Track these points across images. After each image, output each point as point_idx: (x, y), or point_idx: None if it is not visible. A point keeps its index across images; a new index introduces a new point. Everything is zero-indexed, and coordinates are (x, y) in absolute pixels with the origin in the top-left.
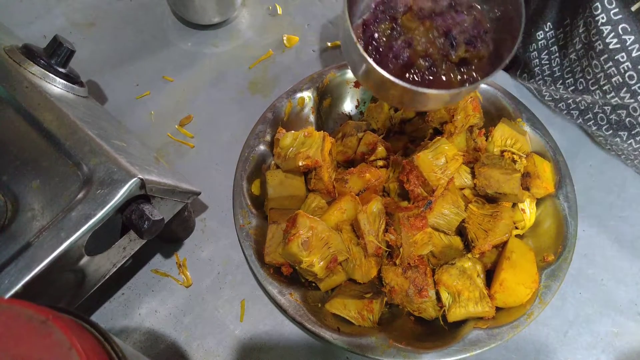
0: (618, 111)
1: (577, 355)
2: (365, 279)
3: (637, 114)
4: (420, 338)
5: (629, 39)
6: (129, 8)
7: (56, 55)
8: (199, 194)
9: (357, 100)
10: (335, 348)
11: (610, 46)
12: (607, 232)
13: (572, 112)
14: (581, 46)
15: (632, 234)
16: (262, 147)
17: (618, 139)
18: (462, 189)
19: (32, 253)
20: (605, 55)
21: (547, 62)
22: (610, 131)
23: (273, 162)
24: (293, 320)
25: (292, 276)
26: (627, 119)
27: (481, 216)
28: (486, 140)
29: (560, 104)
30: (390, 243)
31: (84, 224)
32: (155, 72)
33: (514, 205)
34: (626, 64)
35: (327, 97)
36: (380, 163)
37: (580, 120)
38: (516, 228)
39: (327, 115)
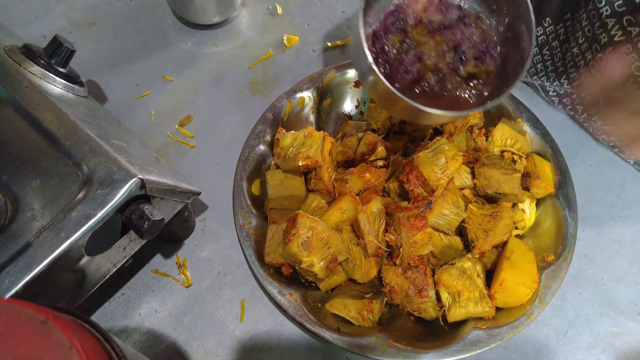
0: None
1: (577, 355)
2: (365, 279)
3: None
4: (420, 338)
5: (635, 30)
6: (129, 8)
7: (56, 55)
8: (199, 194)
9: (357, 100)
10: (335, 348)
11: (616, 38)
12: (607, 232)
13: (576, 107)
14: (584, 40)
15: (632, 234)
16: (262, 147)
17: None
18: (462, 189)
19: (32, 253)
20: (610, 48)
21: (549, 57)
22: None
23: (273, 162)
24: (293, 320)
25: (292, 276)
26: None
27: (481, 216)
28: (486, 140)
29: (565, 99)
30: (390, 243)
31: (84, 224)
32: (155, 72)
33: (514, 205)
34: (632, 55)
35: (327, 97)
36: (380, 163)
37: (585, 115)
38: (516, 228)
39: (327, 115)
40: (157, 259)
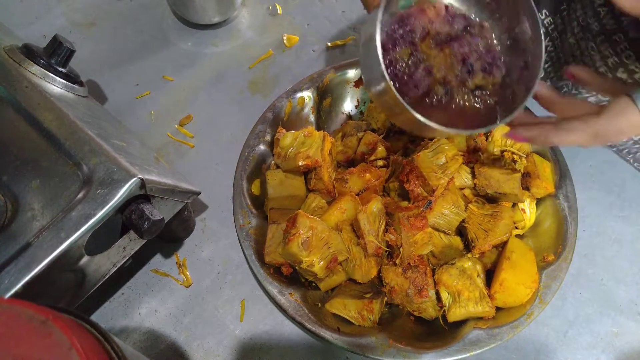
0: None
1: (577, 355)
2: (365, 279)
3: None
4: (420, 338)
5: (626, 19)
6: (129, 8)
7: (56, 55)
8: (199, 193)
9: (357, 100)
10: (335, 348)
11: (607, 27)
12: (607, 232)
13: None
14: (579, 29)
15: (632, 234)
16: (262, 147)
17: None
18: (462, 189)
19: (32, 253)
20: (602, 37)
21: (552, 48)
22: None
23: (273, 162)
24: (293, 320)
25: (292, 276)
26: None
27: (481, 216)
28: (486, 140)
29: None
30: (390, 243)
31: (84, 224)
32: (155, 72)
33: (514, 205)
34: (623, 44)
35: (327, 97)
36: (380, 163)
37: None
38: (516, 228)
39: (327, 115)
40: (157, 258)
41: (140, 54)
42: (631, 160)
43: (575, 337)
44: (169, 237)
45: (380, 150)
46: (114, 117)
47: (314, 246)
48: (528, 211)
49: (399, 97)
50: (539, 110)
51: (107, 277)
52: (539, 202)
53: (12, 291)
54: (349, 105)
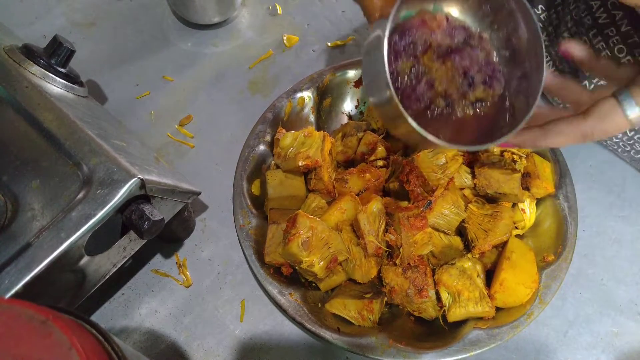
0: None
1: (577, 355)
2: (365, 279)
3: None
4: (420, 338)
5: (618, 14)
6: (129, 8)
7: (56, 55)
8: (199, 194)
9: (357, 100)
10: (335, 348)
11: (600, 21)
12: (607, 232)
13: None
14: (573, 24)
15: (632, 234)
16: (262, 147)
17: None
18: (462, 189)
19: (32, 253)
20: (594, 31)
21: (548, 43)
22: None
23: (273, 162)
24: (293, 320)
25: (292, 276)
26: None
27: (481, 216)
28: None
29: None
30: (390, 243)
31: (84, 224)
32: (155, 72)
33: (514, 205)
34: (615, 37)
35: (327, 97)
36: (380, 163)
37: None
38: (516, 228)
39: (327, 115)
40: (157, 259)
41: (140, 54)
42: (626, 157)
43: (575, 337)
44: (169, 237)
45: (380, 150)
46: (114, 117)
47: (314, 246)
48: (528, 211)
49: (402, 109)
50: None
51: (107, 277)
52: (539, 202)
53: (12, 291)
54: (349, 105)
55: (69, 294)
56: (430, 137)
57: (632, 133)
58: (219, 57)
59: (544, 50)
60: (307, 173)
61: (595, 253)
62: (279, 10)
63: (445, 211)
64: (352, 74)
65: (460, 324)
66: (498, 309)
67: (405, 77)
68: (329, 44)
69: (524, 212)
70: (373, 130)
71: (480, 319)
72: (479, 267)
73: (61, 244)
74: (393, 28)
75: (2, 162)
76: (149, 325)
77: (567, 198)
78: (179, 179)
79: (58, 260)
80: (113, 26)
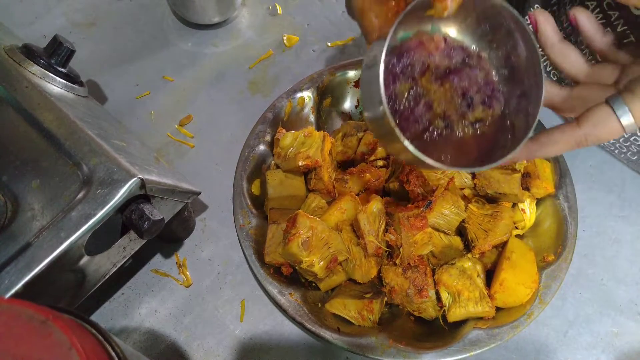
0: None
1: (577, 355)
2: (365, 279)
3: None
4: (420, 338)
5: (614, 14)
6: (129, 8)
7: (56, 55)
8: (199, 194)
9: (357, 100)
10: (335, 348)
11: None
12: (607, 232)
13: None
14: (568, 24)
15: (632, 234)
16: (262, 147)
17: None
18: (462, 189)
19: (32, 253)
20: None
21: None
22: None
23: (273, 162)
24: (293, 320)
25: (292, 276)
26: None
27: (481, 216)
28: None
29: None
30: (390, 243)
31: (84, 224)
32: (155, 72)
33: (514, 205)
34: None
35: (327, 97)
36: (380, 163)
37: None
38: (516, 228)
39: (327, 115)
40: (157, 259)
41: (140, 54)
42: (622, 158)
43: (575, 337)
44: (169, 237)
45: (380, 150)
46: (114, 117)
47: (314, 246)
48: (528, 211)
49: (400, 134)
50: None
51: (107, 277)
52: (539, 202)
53: (12, 291)
54: (349, 105)
55: (69, 293)
56: (429, 161)
57: (628, 135)
58: (219, 57)
59: (543, 69)
60: (307, 173)
61: (595, 253)
62: (279, 10)
63: (445, 211)
64: (352, 74)
65: (460, 324)
66: (498, 309)
67: (404, 99)
68: (329, 44)
69: (524, 212)
70: None
71: (480, 319)
72: (479, 267)
73: (61, 243)
74: (391, 49)
75: (2, 162)
76: (149, 325)
77: (567, 198)
78: (179, 179)
79: (58, 260)
80: (113, 26)
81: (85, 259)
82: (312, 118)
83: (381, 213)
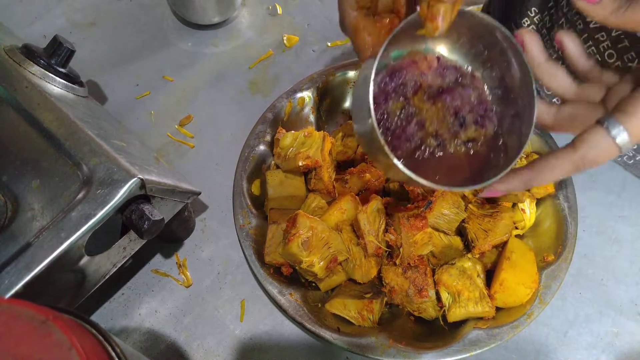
0: None
1: (577, 355)
2: (365, 279)
3: None
4: (420, 338)
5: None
6: (129, 8)
7: (56, 55)
8: (199, 194)
9: None
10: (335, 348)
11: (591, 25)
12: (607, 232)
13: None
14: (567, 27)
15: (632, 234)
16: (262, 147)
17: None
18: None
19: (32, 253)
20: (586, 35)
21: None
22: None
23: (273, 162)
24: (293, 320)
25: (292, 276)
26: None
27: (481, 216)
28: None
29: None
30: (390, 243)
31: (84, 224)
32: (155, 72)
33: (514, 205)
34: (606, 42)
35: (327, 97)
36: None
37: None
38: (516, 228)
39: (327, 115)
40: (157, 259)
41: (140, 54)
42: (622, 165)
43: (575, 337)
44: (169, 237)
45: None
46: (114, 117)
47: (314, 246)
48: (528, 211)
49: (391, 154)
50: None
51: (107, 277)
52: (539, 202)
53: (12, 291)
54: (348, 105)
55: (69, 294)
56: (419, 179)
57: None
58: (219, 57)
59: (535, 90)
60: (307, 173)
61: (595, 253)
62: (279, 10)
63: (445, 211)
64: (352, 74)
65: (460, 324)
66: (498, 309)
67: (396, 117)
68: (329, 44)
69: (524, 212)
70: None
71: (480, 319)
72: (479, 267)
73: (61, 244)
74: (384, 67)
75: (2, 162)
76: (149, 325)
77: (567, 198)
78: (179, 179)
79: (58, 260)
80: (113, 26)
81: (85, 259)
82: (312, 118)
83: (381, 213)
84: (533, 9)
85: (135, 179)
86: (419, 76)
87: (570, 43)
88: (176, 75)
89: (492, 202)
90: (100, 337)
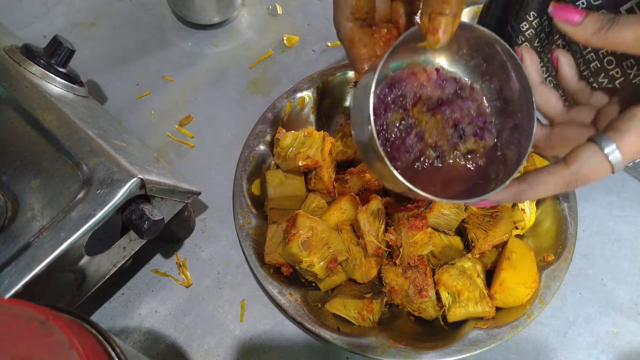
0: None
1: (577, 355)
2: (365, 279)
3: None
4: (420, 338)
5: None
6: (129, 8)
7: (56, 55)
8: (199, 194)
9: None
10: (335, 348)
11: None
12: (607, 232)
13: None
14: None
15: (632, 234)
16: (262, 147)
17: None
18: None
19: (32, 253)
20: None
21: (540, 50)
22: None
23: (273, 162)
24: (293, 320)
25: (292, 276)
26: None
27: (481, 216)
28: None
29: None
30: (390, 243)
31: (84, 224)
32: (155, 72)
33: (514, 205)
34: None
35: (327, 97)
36: None
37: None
38: (516, 228)
39: (327, 115)
40: (157, 259)
41: (140, 54)
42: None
43: (575, 337)
44: (169, 237)
45: None
46: (114, 117)
47: (314, 246)
48: (528, 211)
49: (391, 167)
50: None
51: (107, 277)
52: (539, 202)
53: (12, 291)
54: (348, 104)
55: (69, 294)
56: (419, 192)
57: None
58: (219, 57)
59: (535, 103)
60: (307, 173)
61: (595, 253)
62: (279, 10)
63: (445, 211)
64: (352, 74)
65: (460, 324)
66: (498, 309)
67: (395, 129)
68: (329, 44)
69: (524, 212)
70: None
71: (480, 319)
72: (479, 267)
73: (61, 244)
74: (383, 78)
75: (2, 162)
76: (149, 325)
77: (567, 198)
78: (178, 179)
79: (58, 260)
80: (113, 26)
81: (85, 259)
82: (312, 118)
83: (381, 213)
84: (532, 13)
85: (135, 179)
86: (418, 88)
87: (565, 63)
88: (176, 75)
89: None
90: (100, 337)
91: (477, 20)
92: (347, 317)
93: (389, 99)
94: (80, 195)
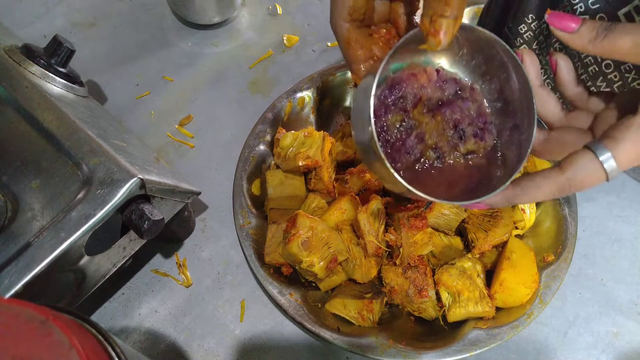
0: None
1: (577, 355)
2: (365, 279)
3: None
4: (420, 338)
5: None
6: (129, 8)
7: (56, 55)
8: (199, 194)
9: None
10: (335, 348)
11: None
12: (607, 232)
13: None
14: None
15: (632, 234)
16: (262, 147)
17: None
18: None
19: (32, 253)
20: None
21: (538, 52)
22: None
23: (273, 162)
24: (293, 320)
25: (292, 276)
26: None
27: (481, 216)
28: None
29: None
30: (390, 243)
31: (84, 224)
32: (155, 72)
33: (514, 205)
34: None
35: (327, 97)
36: None
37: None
38: (516, 228)
39: (327, 115)
40: (157, 258)
41: (140, 54)
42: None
43: (575, 337)
44: (169, 237)
45: None
46: (114, 117)
47: (314, 246)
48: (528, 211)
49: (391, 169)
50: None
51: (107, 277)
52: (539, 202)
53: (12, 291)
54: (348, 105)
55: (69, 294)
56: (419, 193)
57: None
58: (219, 57)
59: (535, 105)
60: (307, 173)
61: (595, 253)
62: (279, 10)
63: (445, 211)
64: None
65: (460, 324)
66: (498, 309)
67: (395, 130)
68: (329, 44)
69: (524, 212)
70: None
71: (480, 319)
72: (479, 267)
73: (61, 244)
74: (383, 80)
75: (2, 162)
76: (149, 325)
77: (567, 198)
78: (178, 178)
79: (58, 260)
80: (113, 26)
81: (85, 259)
82: (312, 118)
83: (381, 213)
84: (530, 15)
85: (135, 178)
86: (418, 89)
87: (564, 67)
88: (176, 75)
89: None
90: (100, 337)
91: (477, 20)
92: (347, 317)
93: (389, 100)
94: (80, 195)
